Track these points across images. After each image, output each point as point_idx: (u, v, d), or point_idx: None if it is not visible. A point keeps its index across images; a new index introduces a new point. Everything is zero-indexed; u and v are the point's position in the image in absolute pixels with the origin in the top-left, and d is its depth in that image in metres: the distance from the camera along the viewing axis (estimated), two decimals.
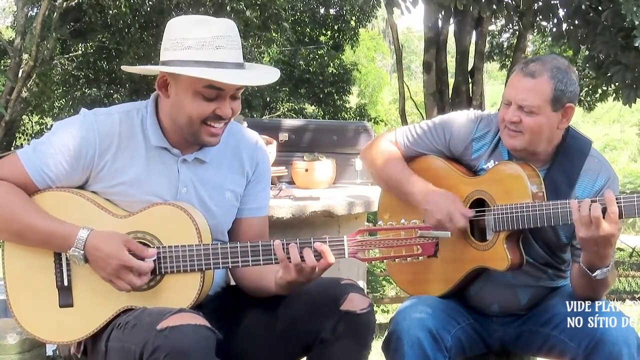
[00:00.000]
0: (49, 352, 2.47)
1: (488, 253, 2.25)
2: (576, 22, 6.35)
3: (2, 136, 10.05)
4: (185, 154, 2.06)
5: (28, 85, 11.31)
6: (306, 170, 3.86)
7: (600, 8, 5.90)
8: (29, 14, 11.47)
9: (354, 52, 20.32)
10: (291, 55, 16.44)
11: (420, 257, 1.93)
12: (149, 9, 12.32)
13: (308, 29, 16.57)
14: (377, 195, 2.62)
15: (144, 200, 2.01)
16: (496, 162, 2.31)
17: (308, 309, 2.01)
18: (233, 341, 2.04)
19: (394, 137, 2.48)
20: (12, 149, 10.47)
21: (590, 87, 11.99)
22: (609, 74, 6.09)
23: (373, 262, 2.53)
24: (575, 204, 2.07)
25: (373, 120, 17.23)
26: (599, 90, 11.62)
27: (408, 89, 10.04)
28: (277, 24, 12.69)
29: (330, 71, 16.57)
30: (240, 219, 2.16)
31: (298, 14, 15.80)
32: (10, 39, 11.41)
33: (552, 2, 6.48)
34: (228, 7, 11.36)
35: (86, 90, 13.88)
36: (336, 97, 16.37)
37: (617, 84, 6.65)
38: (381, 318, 8.15)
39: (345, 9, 15.76)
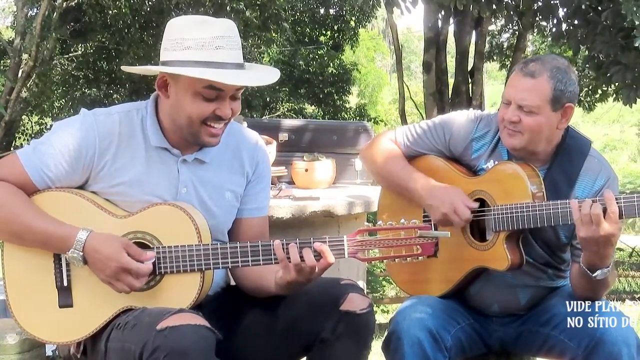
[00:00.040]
0: (49, 352, 2.47)
1: (488, 253, 2.25)
2: (576, 22, 6.36)
3: (2, 136, 10.05)
4: (185, 154, 2.06)
5: (28, 85, 11.31)
6: (306, 170, 3.86)
7: (600, 8, 5.91)
8: (29, 14, 11.48)
9: (354, 52, 20.34)
10: (291, 55, 16.45)
11: (420, 257, 1.93)
12: (148, 9, 12.33)
13: (308, 29, 16.59)
14: (377, 196, 2.62)
15: (143, 201, 2.01)
16: (496, 162, 2.31)
17: (308, 309, 2.01)
18: (233, 341, 2.04)
19: (394, 136, 2.48)
20: (12, 149, 10.46)
21: (590, 88, 12.00)
22: (609, 74, 6.09)
23: (373, 262, 2.53)
24: (576, 204, 2.07)
25: (373, 120, 17.24)
26: (599, 91, 11.63)
27: (408, 89, 10.05)
28: (277, 24, 12.70)
29: (330, 71, 16.58)
30: (241, 219, 2.16)
31: (298, 14, 15.81)
32: (10, 39, 11.42)
33: (552, 2, 6.48)
34: (228, 7, 11.37)
35: (86, 90, 13.89)
36: (336, 97, 16.39)
37: (617, 84, 6.65)
38: (381, 318, 8.15)
39: (345, 9, 15.78)
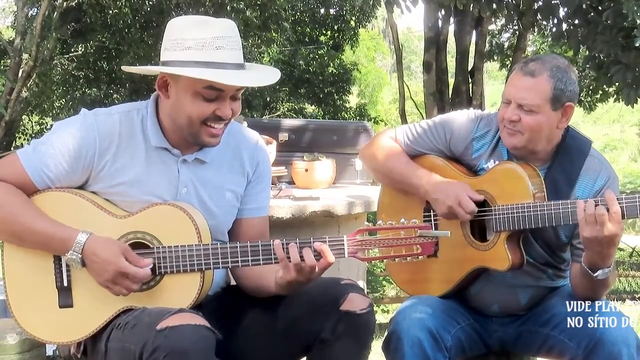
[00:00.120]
0: (49, 352, 2.47)
1: (489, 253, 2.25)
2: (576, 21, 6.36)
3: (2, 136, 10.05)
4: (186, 154, 2.06)
5: (28, 85, 11.31)
6: (306, 170, 3.86)
7: (600, 7, 5.90)
8: (29, 14, 11.48)
9: (354, 52, 20.33)
10: (291, 55, 16.45)
11: (420, 257, 1.93)
12: (149, 9, 12.33)
13: (308, 29, 16.59)
14: (377, 195, 2.62)
15: (143, 201, 2.01)
16: (496, 162, 2.31)
17: (308, 309, 2.00)
18: (233, 341, 2.04)
19: (394, 134, 2.48)
20: (12, 149, 10.47)
21: (590, 88, 12.00)
22: (609, 74, 6.09)
23: (373, 261, 2.53)
24: (582, 204, 2.07)
25: (373, 120, 17.24)
26: (600, 91, 11.63)
27: (408, 89, 10.05)
28: (277, 24, 12.70)
29: (330, 71, 16.58)
30: (241, 219, 2.16)
31: (298, 14, 15.81)
32: (10, 39, 11.42)
33: (553, 1, 6.47)
34: (228, 7, 11.37)
35: (86, 90, 13.89)
36: (336, 97, 16.39)
37: (617, 84, 6.65)
38: (381, 318, 8.16)
39: (345, 9, 15.78)
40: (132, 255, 1.93)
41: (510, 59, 10.31)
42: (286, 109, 16.22)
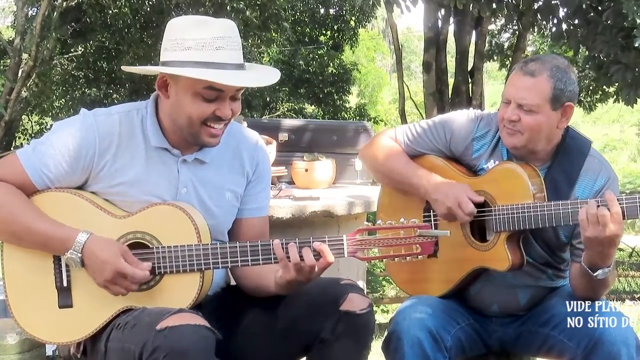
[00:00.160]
0: (49, 352, 2.47)
1: (489, 253, 2.25)
2: (576, 21, 6.35)
3: (2, 136, 10.05)
4: (185, 154, 2.06)
5: (28, 85, 11.31)
6: (306, 170, 3.86)
7: (600, 8, 5.90)
8: (29, 14, 11.48)
9: (354, 52, 20.33)
10: (291, 55, 16.46)
11: (419, 257, 1.93)
12: (149, 9, 12.33)
13: (308, 29, 16.59)
14: (376, 195, 2.62)
15: (143, 201, 2.01)
16: (496, 162, 2.31)
17: (308, 309, 2.00)
18: (233, 341, 2.04)
19: (394, 134, 2.48)
20: (12, 149, 10.46)
21: (590, 88, 12.00)
22: (609, 74, 6.09)
23: (373, 261, 2.53)
24: (584, 205, 2.07)
25: (373, 120, 17.24)
26: (599, 91, 11.63)
27: (408, 89, 10.04)
28: (277, 24, 12.70)
29: (330, 71, 16.59)
30: (241, 219, 2.16)
31: (298, 14, 15.81)
32: (10, 39, 11.41)
33: (553, 1, 6.47)
34: (228, 7, 11.37)
35: (86, 90, 13.89)
36: (336, 97, 16.39)
37: (617, 84, 6.65)
38: (381, 318, 8.15)
39: (345, 8, 15.78)
40: (131, 257, 1.93)
41: (510, 59, 10.29)
42: (286, 109, 16.23)
